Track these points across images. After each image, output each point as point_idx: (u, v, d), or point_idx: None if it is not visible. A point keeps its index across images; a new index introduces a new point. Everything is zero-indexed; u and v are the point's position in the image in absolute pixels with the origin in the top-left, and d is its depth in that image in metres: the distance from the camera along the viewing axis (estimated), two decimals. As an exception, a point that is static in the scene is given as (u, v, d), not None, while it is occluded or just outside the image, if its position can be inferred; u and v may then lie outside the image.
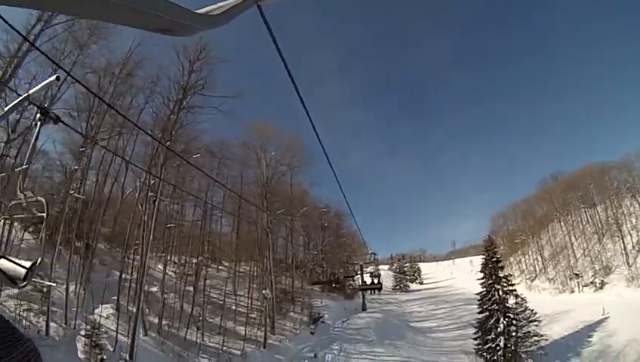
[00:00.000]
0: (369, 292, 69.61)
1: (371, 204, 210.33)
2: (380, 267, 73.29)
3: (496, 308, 54.86)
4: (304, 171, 75.49)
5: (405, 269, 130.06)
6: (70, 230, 45.23)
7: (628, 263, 78.06)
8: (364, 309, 73.09)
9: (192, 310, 48.95)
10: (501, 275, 57.36)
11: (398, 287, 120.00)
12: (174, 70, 49.04)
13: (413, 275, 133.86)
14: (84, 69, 43.55)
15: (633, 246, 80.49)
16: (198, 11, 2.55)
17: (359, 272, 61.74)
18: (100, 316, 38.55)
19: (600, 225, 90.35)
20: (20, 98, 7.07)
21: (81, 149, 45.28)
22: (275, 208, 64.23)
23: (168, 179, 47.49)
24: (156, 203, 42.56)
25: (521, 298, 55.67)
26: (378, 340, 55.48)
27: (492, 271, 57.57)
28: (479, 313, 56.75)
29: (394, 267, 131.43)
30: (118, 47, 47.96)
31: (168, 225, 54.13)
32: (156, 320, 43.96)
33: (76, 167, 45.88)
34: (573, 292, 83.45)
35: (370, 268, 63.41)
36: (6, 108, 8.90)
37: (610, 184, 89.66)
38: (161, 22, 2.32)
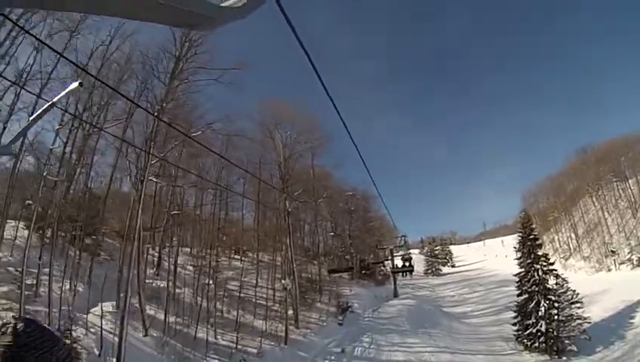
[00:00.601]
0: (401, 275, 68.99)
1: (399, 186, 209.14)
2: (411, 251, 67.77)
3: (536, 289, 50.00)
4: (326, 153, 72.14)
5: (436, 252, 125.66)
6: (75, 225, 41.50)
7: None
8: (395, 296, 67.93)
9: (208, 305, 43.63)
10: (539, 253, 52.57)
11: (429, 271, 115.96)
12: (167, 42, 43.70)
13: (445, 258, 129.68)
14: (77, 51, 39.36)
15: None
16: (223, 4, 2.58)
17: (389, 257, 60.57)
18: (95, 314, 33.66)
19: (633, 199, 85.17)
20: (46, 105, 8.94)
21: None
22: (295, 191, 59.50)
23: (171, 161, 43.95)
24: (144, 183, 37.62)
25: (562, 278, 50.53)
26: (411, 329, 50.24)
27: (530, 249, 52.73)
28: (518, 295, 52.00)
29: (425, 250, 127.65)
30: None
31: (173, 212, 49.53)
32: (165, 318, 39.32)
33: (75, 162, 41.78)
34: (610, 270, 78.13)
35: (400, 253, 58.90)
36: (32, 118, 10.84)
37: None
38: (189, 17, 2.45)
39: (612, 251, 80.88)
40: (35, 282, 32.84)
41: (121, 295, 34.79)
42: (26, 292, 30.60)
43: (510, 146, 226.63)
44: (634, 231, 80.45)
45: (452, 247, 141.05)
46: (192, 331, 39.41)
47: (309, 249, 72.92)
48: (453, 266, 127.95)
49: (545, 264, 51.37)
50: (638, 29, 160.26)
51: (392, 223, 71.44)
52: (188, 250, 55.35)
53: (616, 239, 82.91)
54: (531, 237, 53.62)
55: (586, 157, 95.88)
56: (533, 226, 56.82)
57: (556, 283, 49.81)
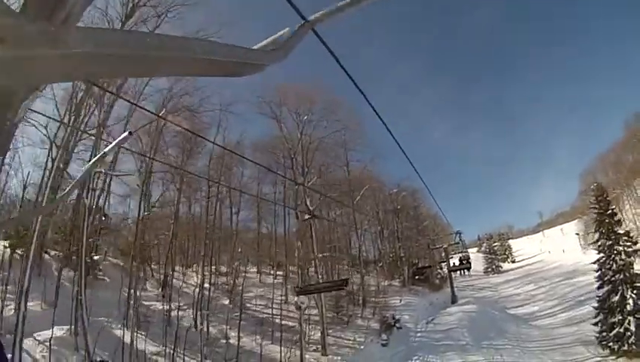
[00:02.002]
0: (459, 275, 62.46)
1: (450, 185, 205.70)
2: (468, 250, 58.28)
3: (621, 277, 38.81)
4: (359, 146, 58.64)
5: (495, 248, 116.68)
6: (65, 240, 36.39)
7: None
8: (454, 302, 55.78)
9: (208, 329, 34.99)
10: (621, 232, 41.38)
11: (489, 269, 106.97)
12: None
13: (504, 254, 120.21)
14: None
15: None
16: (256, 47, 2.80)
17: (444, 257, 57.05)
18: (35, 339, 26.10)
19: None
20: (99, 155, 9.38)
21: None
22: (321, 185, 49.38)
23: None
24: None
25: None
26: (474, 342, 38.74)
27: (609, 228, 41.56)
28: (598, 287, 40.68)
29: (482, 248, 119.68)
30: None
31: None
32: (153, 347, 30.73)
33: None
34: None
35: (457, 252, 55.05)
36: (85, 167, 17.15)
37: None
38: (236, 66, 2.57)
39: None
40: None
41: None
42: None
43: (560, 129, 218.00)
44: None
45: (510, 242, 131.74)
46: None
47: (355, 257, 62.46)
48: (513, 261, 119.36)
49: (629, 244, 40.51)
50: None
51: (445, 220, 64.41)
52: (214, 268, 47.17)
53: None
54: (609, 212, 42.69)
55: None
56: (610, 199, 45.78)
57: None
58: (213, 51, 2.29)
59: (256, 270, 52.60)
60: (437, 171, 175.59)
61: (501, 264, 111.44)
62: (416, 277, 62.53)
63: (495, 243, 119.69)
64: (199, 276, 40.91)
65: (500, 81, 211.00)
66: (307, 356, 33.79)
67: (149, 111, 32.61)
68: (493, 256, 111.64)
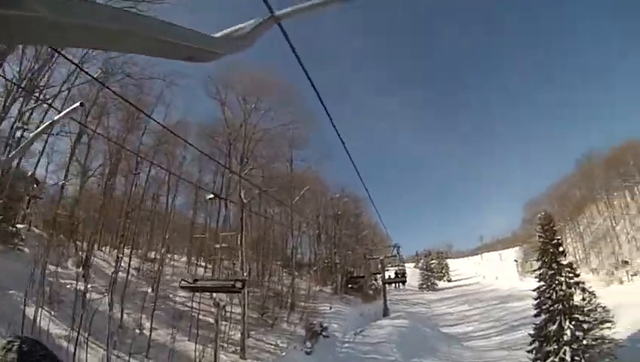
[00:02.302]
0: (394, 288, 59.00)
1: (394, 197, 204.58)
2: (405, 264, 56.52)
3: (560, 307, 38.26)
4: (308, 146, 55.20)
5: (432, 266, 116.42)
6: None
7: None
8: (385, 315, 53.29)
9: (122, 318, 30.64)
10: (564, 262, 40.51)
11: (425, 286, 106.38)
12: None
13: (441, 272, 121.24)
14: None
15: None
16: (218, 35, 2.75)
17: (380, 268, 54.27)
18: None
19: None
20: (47, 124, 9.59)
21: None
22: (262, 179, 45.25)
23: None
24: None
25: (590, 292, 39.63)
26: (402, 359, 36.08)
27: (552, 257, 40.59)
28: (535, 315, 40.16)
29: (420, 264, 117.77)
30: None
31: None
32: (59, 330, 26.52)
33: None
34: (622, 282, 69.72)
35: (393, 265, 52.37)
36: (32, 135, 12.09)
37: None
38: (187, 51, 2.53)
39: (624, 261, 73.19)
40: None
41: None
42: None
43: (510, 158, 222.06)
44: None
45: (448, 261, 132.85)
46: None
47: (289, 258, 58.98)
48: (449, 280, 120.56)
49: (571, 275, 39.83)
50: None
51: (385, 231, 61.19)
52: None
53: (627, 249, 76.00)
54: (554, 242, 41.56)
55: (594, 162, 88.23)
56: (556, 229, 44.43)
57: (583, 299, 38.98)
58: (173, 33, 2.28)
59: (186, 260, 48.99)
60: (383, 182, 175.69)
61: (437, 281, 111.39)
62: (350, 285, 60.63)
63: (433, 261, 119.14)
64: (122, 259, 36.75)
65: (462, 100, 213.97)
66: (225, 357, 30.58)
67: (90, 75, 29.51)
68: (430, 273, 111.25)
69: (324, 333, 38.37)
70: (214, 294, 27.82)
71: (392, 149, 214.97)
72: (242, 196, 36.44)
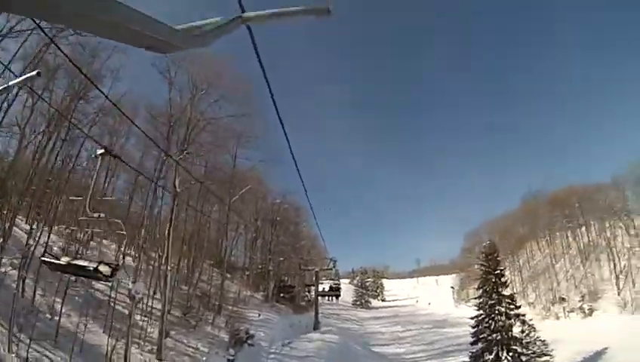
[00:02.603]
0: (327, 299, 59.16)
1: (335, 213, 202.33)
2: (340, 280, 54.57)
3: (498, 338, 37.77)
4: (254, 145, 49.63)
5: (367, 284, 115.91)
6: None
7: (618, 287, 67.15)
8: (316, 328, 50.23)
9: (33, 298, 26.07)
10: (505, 293, 40.28)
11: (358, 303, 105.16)
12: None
13: (376, 291, 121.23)
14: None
15: (621, 271, 69.60)
16: (181, 27, 2.75)
17: (315, 280, 53.30)
18: None
19: (584, 248, 79.96)
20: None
21: None
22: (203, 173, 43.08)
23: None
24: None
25: (530, 324, 39.31)
26: (331, 378, 34.11)
27: (494, 287, 40.14)
28: (472, 343, 39.84)
29: (355, 281, 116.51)
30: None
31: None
32: None
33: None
34: (558, 318, 71.29)
35: (328, 282, 53.69)
36: None
37: (600, 204, 78.05)
38: (148, 40, 2.50)
39: (562, 298, 74.21)
40: None
41: None
42: None
43: (458, 186, 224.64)
44: (583, 279, 74.74)
45: (384, 281, 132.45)
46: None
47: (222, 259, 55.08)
48: (383, 300, 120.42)
49: (511, 307, 39.54)
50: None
51: (323, 243, 59.19)
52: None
53: (565, 286, 76.94)
54: (496, 272, 41.36)
55: (540, 202, 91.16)
56: (499, 259, 44.34)
57: (522, 331, 38.81)
58: (135, 20, 2.25)
59: (116, 247, 44.67)
60: (326, 196, 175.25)
61: (371, 300, 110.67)
62: (282, 294, 58.47)
63: (368, 279, 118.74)
64: (41, 234, 32.70)
65: (417, 126, 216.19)
66: (140, 356, 27.01)
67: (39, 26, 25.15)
68: (365, 291, 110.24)
69: (249, 341, 35.04)
70: (130, 284, 24.57)
71: (338, 166, 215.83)
72: (176, 184, 32.97)
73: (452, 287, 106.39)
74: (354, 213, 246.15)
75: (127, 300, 29.12)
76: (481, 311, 39.26)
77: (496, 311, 38.27)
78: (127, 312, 28.68)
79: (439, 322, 75.88)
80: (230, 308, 43.82)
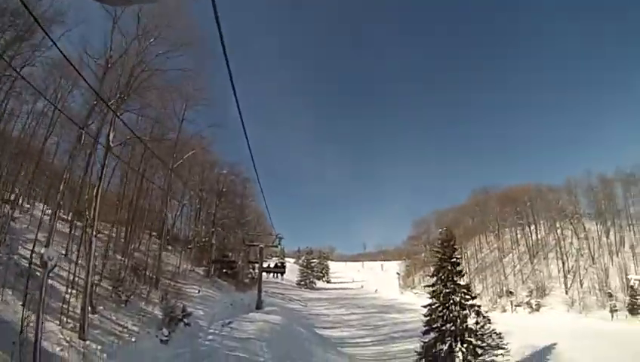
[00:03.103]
0: (272, 276, 59.47)
1: (286, 191, 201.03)
2: (286, 259, 51.43)
3: (452, 328, 35.50)
4: (203, 108, 46.10)
5: (313, 264, 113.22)
6: None
7: (566, 286, 70.64)
8: (259, 307, 46.87)
9: None
10: (461, 283, 37.85)
11: (303, 283, 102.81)
12: None
13: (321, 272, 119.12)
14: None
15: (569, 271, 73.40)
16: None
17: (259, 256, 49.69)
18: None
19: (533, 245, 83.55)
20: None
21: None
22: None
23: None
24: None
25: (484, 316, 37.01)
26: (272, 361, 30.98)
27: (449, 276, 37.68)
28: (424, 332, 37.19)
29: (301, 261, 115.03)
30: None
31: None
32: None
33: None
34: (505, 311, 72.99)
35: (273, 259, 53.03)
36: None
37: (552, 205, 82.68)
38: None
39: (510, 292, 76.87)
40: None
41: None
42: None
43: (408, 178, 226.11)
44: (531, 276, 77.99)
45: (329, 263, 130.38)
46: None
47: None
48: (328, 282, 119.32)
49: (468, 297, 37.08)
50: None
51: (269, 218, 58.82)
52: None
53: (512, 280, 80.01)
54: (453, 260, 38.76)
55: (491, 195, 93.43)
56: (456, 247, 41.42)
57: (476, 322, 36.37)
58: None
59: (46, 208, 38.99)
60: (274, 174, 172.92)
61: (315, 281, 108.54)
62: (225, 270, 55.19)
63: (314, 259, 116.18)
64: None
65: (371, 110, 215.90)
66: (59, 334, 22.81)
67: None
68: (310, 271, 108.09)
69: (185, 320, 31.52)
70: (42, 249, 20.68)
71: (286, 147, 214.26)
72: (110, 138, 28.64)
73: (398, 273, 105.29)
74: (301, 193, 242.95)
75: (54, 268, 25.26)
76: (435, 300, 36.87)
77: (451, 301, 36.03)
78: (54, 283, 25.06)
79: (384, 307, 74.29)
80: (168, 282, 40.14)
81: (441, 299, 36.49)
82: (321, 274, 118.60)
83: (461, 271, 38.16)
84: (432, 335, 36.10)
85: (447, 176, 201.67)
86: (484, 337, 35.51)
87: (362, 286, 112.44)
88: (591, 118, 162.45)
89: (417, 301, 71.38)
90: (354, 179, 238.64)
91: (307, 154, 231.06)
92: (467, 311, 35.92)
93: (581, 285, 68.48)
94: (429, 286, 39.71)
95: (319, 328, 55.12)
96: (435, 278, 38.15)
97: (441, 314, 36.14)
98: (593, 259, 72.60)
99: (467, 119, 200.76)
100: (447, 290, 36.48)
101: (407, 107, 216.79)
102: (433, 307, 36.64)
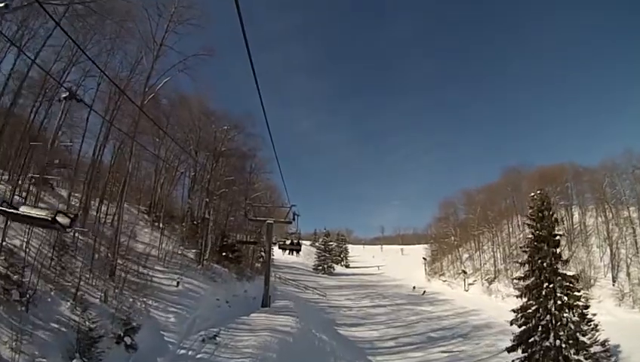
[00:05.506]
0: (287, 253, 39.74)
1: (300, 171, 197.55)
2: (302, 242, 36.66)
3: (556, 344, 21.98)
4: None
5: (331, 247, 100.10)
6: None
7: (613, 276, 56.45)
8: (265, 305, 31.61)
9: None
10: (565, 273, 23.55)
11: (320, 268, 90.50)
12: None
13: (340, 256, 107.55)
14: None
15: (617, 260, 58.46)
16: None
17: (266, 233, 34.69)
18: None
19: (571, 231, 67.03)
20: None
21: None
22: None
23: None
24: None
25: (583, 311, 23.34)
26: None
27: (550, 263, 23.44)
28: (510, 349, 24.22)
29: (318, 243, 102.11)
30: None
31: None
32: None
33: None
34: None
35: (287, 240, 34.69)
36: None
37: (590, 187, 69.61)
38: None
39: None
40: None
41: None
42: None
43: (425, 157, 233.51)
44: (572, 264, 57.22)
45: (348, 246, 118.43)
46: None
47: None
48: (347, 266, 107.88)
49: (572, 288, 23.36)
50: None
51: (285, 190, 49.40)
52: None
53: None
54: (555, 236, 24.42)
55: (522, 176, 79.16)
56: (556, 217, 26.85)
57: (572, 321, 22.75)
58: None
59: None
60: (293, 155, 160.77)
61: (334, 265, 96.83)
62: (224, 253, 41.31)
63: (332, 242, 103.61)
64: None
65: (382, 98, 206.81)
66: None
67: None
68: (327, 255, 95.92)
69: (128, 340, 16.30)
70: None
71: (301, 129, 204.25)
72: None
73: (424, 258, 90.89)
74: (316, 175, 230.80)
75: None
76: (530, 300, 23.27)
77: (555, 297, 22.45)
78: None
79: (414, 297, 63.54)
80: (133, 269, 25.23)
81: (539, 299, 22.65)
82: (340, 258, 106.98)
83: (563, 257, 23.76)
84: (520, 353, 23.28)
85: (466, 157, 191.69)
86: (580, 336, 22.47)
87: (379, 268, 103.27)
88: (629, 94, 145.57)
89: (445, 289, 64.99)
90: (368, 161, 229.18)
91: (321, 131, 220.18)
92: (578, 319, 21.85)
93: (628, 276, 54.60)
94: (517, 278, 25.62)
95: (342, 326, 41.65)
96: (527, 266, 24.28)
97: (538, 320, 22.13)
98: (637, 247, 58.49)
99: (485, 96, 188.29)
100: (549, 286, 22.49)
101: (427, 85, 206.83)
102: (528, 311, 22.63)
